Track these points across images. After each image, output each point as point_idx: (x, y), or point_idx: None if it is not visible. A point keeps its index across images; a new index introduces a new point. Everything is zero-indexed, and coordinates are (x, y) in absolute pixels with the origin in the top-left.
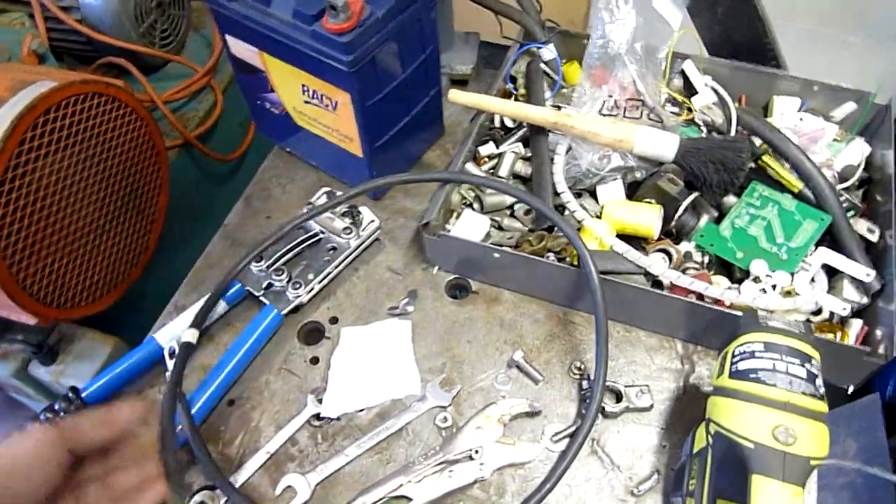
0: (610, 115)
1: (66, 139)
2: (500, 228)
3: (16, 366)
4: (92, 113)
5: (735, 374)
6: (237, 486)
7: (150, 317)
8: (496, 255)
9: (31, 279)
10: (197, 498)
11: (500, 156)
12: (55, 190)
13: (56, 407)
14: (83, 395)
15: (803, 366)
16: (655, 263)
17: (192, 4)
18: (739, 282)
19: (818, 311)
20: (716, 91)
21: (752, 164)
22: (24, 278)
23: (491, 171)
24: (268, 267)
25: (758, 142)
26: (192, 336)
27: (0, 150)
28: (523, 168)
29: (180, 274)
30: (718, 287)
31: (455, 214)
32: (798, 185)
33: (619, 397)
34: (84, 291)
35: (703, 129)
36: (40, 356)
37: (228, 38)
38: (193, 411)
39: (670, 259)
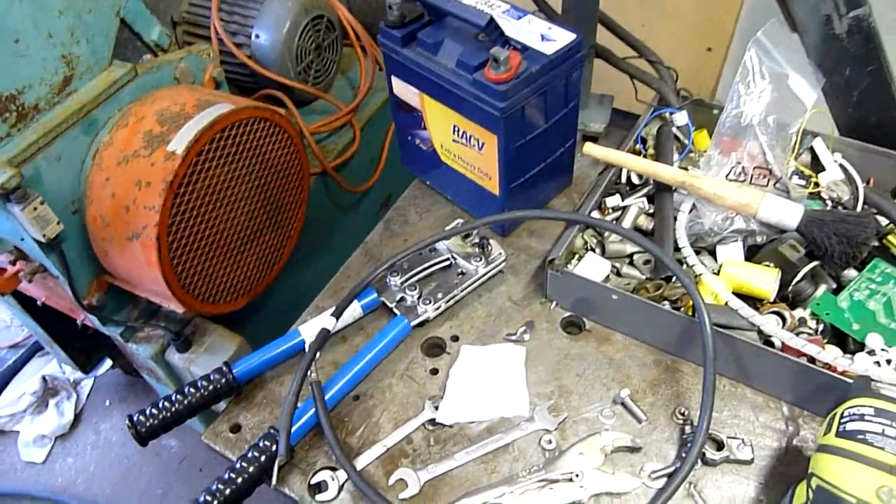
0: (736, 181)
1: (234, 154)
2: (618, 275)
3: (155, 349)
4: (258, 135)
5: (843, 434)
6: None
7: (272, 320)
8: (614, 296)
9: (186, 273)
10: (319, 476)
11: (624, 209)
12: (218, 198)
13: (211, 378)
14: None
15: None
16: (769, 323)
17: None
18: (853, 353)
19: None
20: (844, 168)
21: (877, 243)
22: (180, 271)
23: (614, 221)
24: (402, 283)
25: (884, 221)
26: (329, 323)
27: (183, 157)
28: (646, 222)
29: (302, 288)
30: (831, 353)
31: (577, 257)
32: None
33: (720, 446)
34: (225, 291)
35: (829, 203)
36: (177, 343)
37: (394, 79)
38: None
39: (784, 322)
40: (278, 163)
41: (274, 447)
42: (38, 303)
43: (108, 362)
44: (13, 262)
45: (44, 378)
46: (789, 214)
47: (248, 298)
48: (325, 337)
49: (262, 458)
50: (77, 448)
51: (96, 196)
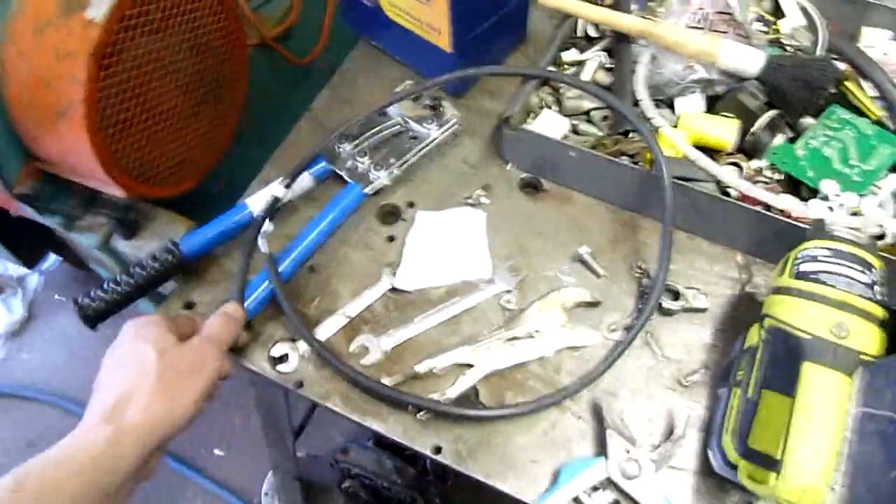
0: (697, 28)
1: (160, 21)
2: (575, 133)
3: (99, 238)
4: (184, 0)
5: (797, 275)
6: None
7: (222, 206)
8: (572, 153)
9: (122, 153)
10: (278, 348)
11: (581, 63)
12: (148, 70)
13: (157, 255)
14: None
15: (864, 272)
16: (727, 173)
17: None
18: (807, 201)
19: (881, 237)
20: (806, 11)
21: (834, 90)
22: (116, 151)
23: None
24: (353, 149)
25: (842, 67)
26: (280, 191)
27: (103, 24)
28: (604, 77)
29: (251, 171)
30: (787, 200)
31: (533, 116)
32: (879, 112)
33: (676, 296)
34: (167, 172)
35: (790, 50)
36: (122, 230)
37: None
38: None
39: (741, 172)
40: (211, 31)
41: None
42: None
43: (54, 257)
44: None
45: None
46: (750, 60)
47: (195, 181)
48: (273, 204)
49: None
50: (33, 344)
51: (13, 73)
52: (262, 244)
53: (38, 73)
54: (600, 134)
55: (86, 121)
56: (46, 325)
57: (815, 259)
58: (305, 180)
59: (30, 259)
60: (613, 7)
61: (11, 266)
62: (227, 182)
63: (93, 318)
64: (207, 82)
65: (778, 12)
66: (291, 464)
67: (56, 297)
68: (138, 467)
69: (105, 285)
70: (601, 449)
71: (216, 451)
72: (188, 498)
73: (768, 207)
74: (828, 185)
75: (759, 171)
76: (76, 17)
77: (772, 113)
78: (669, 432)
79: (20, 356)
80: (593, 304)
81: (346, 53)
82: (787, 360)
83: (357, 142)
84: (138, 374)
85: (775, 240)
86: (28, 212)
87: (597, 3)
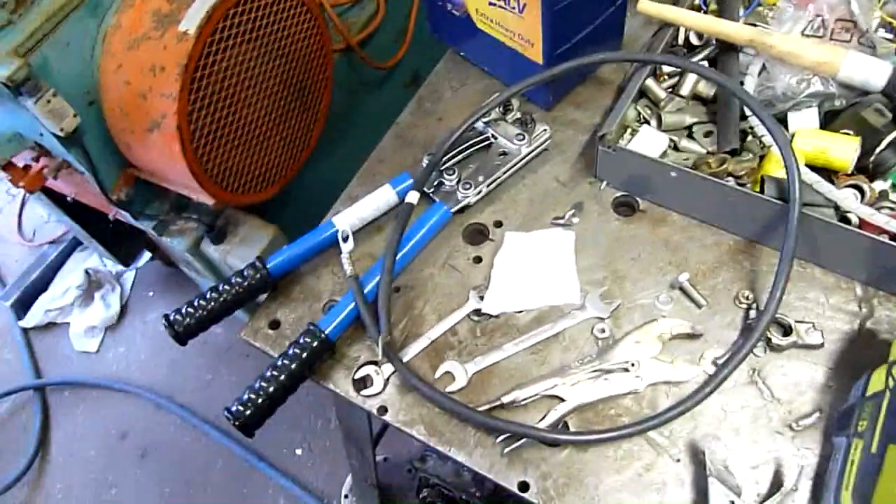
0: (814, 37)
1: (250, 32)
2: (676, 149)
3: (190, 242)
4: (274, 9)
5: None
6: None
7: (305, 209)
8: (673, 173)
9: (211, 163)
10: (362, 371)
11: (682, 73)
12: (237, 81)
13: (245, 274)
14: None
15: None
16: (847, 198)
17: None
18: None
19: None
20: None
21: None
22: (206, 161)
23: (670, 89)
24: (440, 166)
25: None
26: (413, 197)
27: (196, 37)
28: (706, 89)
29: (333, 174)
30: None
31: (629, 131)
32: None
33: (787, 331)
34: (254, 180)
35: None
36: (211, 235)
37: None
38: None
39: (862, 196)
40: (299, 39)
41: (315, 343)
42: (69, 199)
43: (147, 254)
44: (36, 159)
45: (87, 272)
46: (876, 73)
47: (279, 186)
48: (408, 213)
49: (304, 354)
50: (127, 338)
51: (110, 85)
52: (346, 264)
53: (133, 86)
54: (703, 151)
55: (177, 132)
56: (140, 319)
57: None
58: (390, 198)
59: (126, 257)
60: (719, 13)
61: (109, 263)
62: (309, 185)
63: (182, 335)
64: (294, 89)
65: None
66: (370, 472)
67: (149, 294)
68: None
69: (194, 302)
70: (700, 498)
71: (297, 451)
72: (271, 495)
73: (894, 237)
74: None
75: (883, 196)
76: (170, 31)
77: None
78: (778, 482)
79: (117, 350)
80: (693, 337)
81: (427, 57)
82: None
83: (444, 159)
84: None
85: None
86: (124, 215)
87: (700, 10)
